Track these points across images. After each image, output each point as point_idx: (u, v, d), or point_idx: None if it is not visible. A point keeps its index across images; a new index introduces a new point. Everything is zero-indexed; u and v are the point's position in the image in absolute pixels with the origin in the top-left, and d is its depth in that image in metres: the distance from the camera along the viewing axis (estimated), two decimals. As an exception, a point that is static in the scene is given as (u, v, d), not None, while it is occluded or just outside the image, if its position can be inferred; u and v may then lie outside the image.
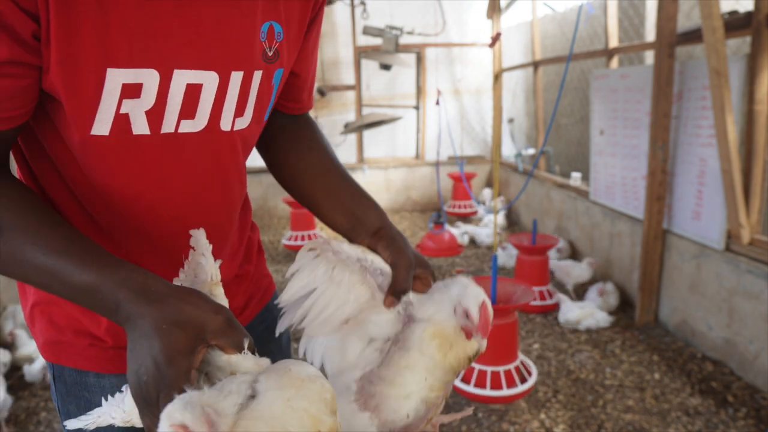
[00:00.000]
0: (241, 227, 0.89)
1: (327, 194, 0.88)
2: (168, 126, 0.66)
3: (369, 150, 6.64)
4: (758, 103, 2.50)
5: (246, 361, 0.55)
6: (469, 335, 0.75)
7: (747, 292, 2.52)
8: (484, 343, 0.76)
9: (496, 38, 2.45)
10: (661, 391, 2.55)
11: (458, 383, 2.55)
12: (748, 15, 2.51)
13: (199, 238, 0.65)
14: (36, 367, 2.69)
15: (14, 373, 2.81)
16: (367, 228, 0.83)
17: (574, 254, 4.32)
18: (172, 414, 0.45)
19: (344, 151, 6.36)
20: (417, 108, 6.52)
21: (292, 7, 0.74)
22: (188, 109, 0.67)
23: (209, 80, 0.66)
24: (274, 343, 0.97)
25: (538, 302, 3.46)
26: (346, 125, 5.01)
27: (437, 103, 5.11)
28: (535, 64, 5.34)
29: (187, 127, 0.68)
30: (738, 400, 2.44)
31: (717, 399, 2.46)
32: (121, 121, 0.63)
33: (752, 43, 2.49)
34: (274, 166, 0.93)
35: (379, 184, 6.49)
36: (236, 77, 0.69)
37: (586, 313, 3.17)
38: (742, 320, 2.57)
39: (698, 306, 2.87)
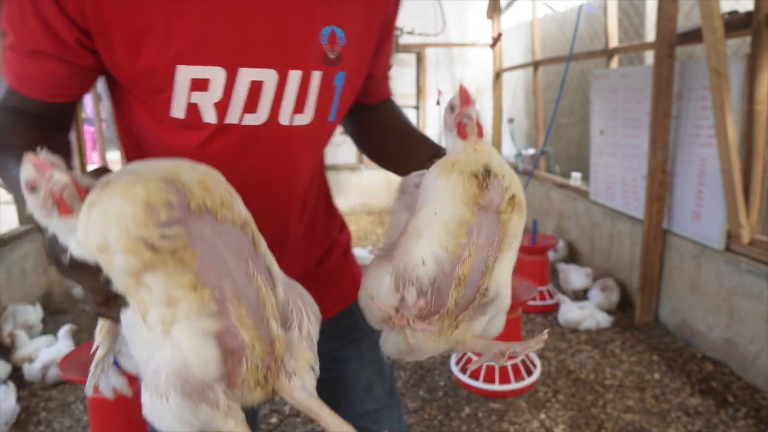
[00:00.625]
0: (319, 227, 0.93)
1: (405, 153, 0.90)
2: (232, 117, 0.74)
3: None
4: (758, 103, 2.50)
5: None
6: (462, 128, 0.70)
7: (747, 292, 2.52)
8: (483, 148, 0.70)
9: (497, 39, 2.44)
10: (661, 391, 2.55)
11: (463, 377, 2.56)
12: (748, 15, 2.51)
13: None
14: (36, 366, 2.69)
15: (14, 373, 2.81)
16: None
17: (573, 255, 4.32)
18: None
19: (344, 151, 6.35)
20: (417, 108, 6.52)
21: (357, 15, 0.78)
22: (251, 103, 0.74)
23: (269, 77, 0.73)
24: (350, 348, 0.99)
25: (538, 302, 3.46)
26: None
27: (438, 103, 5.12)
28: (535, 64, 5.34)
29: (250, 120, 0.75)
30: (738, 400, 2.44)
31: (717, 399, 2.46)
32: (192, 111, 0.72)
33: (752, 43, 2.49)
34: (363, 148, 1.00)
35: (379, 185, 6.48)
36: (294, 76, 0.74)
37: (586, 313, 3.17)
38: (742, 320, 2.57)
39: (698, 306, 2.87)
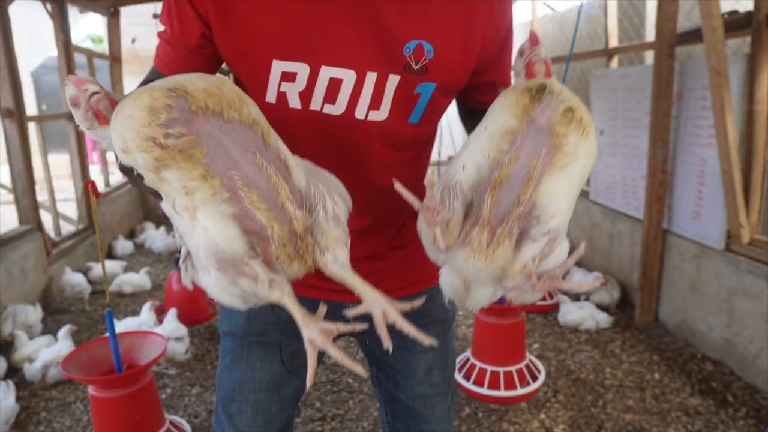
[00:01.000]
0: (403, 217, 1.02)
1: None
2: (315, 105, 0.86)
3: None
4: (758, 103, 2.50)
5: None
6: (530, 67, 0.71)
7: (747, 292, 2.52)
8: (542, 72, 0.71)
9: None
10: (661, 391, 2.55)
11: (465, 383, 2.55)
12: (748, 15, 2.51)
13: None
14: (36, 366, 2.69)
15: (14, 373, 2.81)
16: None
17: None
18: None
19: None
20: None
21: (451, 33, 0.85)
22: (330, 96, 0.85)
23: (348, 76, 0.84)
24: (419, 329, 1.01)
25: (538, 302, 3.46)
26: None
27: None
28: (535, 64, 5.34)
29: (329, 109, 0.86)
30: (738, 400, 2.44)
31: (717, 399, 2.46)
32: (281, 97, 0.86)
33: (752, 43, 2.49)
34: None
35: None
36: (371, 77, 0.84)
37: (586, 314, 3.17)
38: (742, 320, 2.57)
39: (698, 306, 2.87)
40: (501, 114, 0.70)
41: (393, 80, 0.85)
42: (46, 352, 2.74)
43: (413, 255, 1.02)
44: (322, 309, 0.69)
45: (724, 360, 2.72)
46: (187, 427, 2.32)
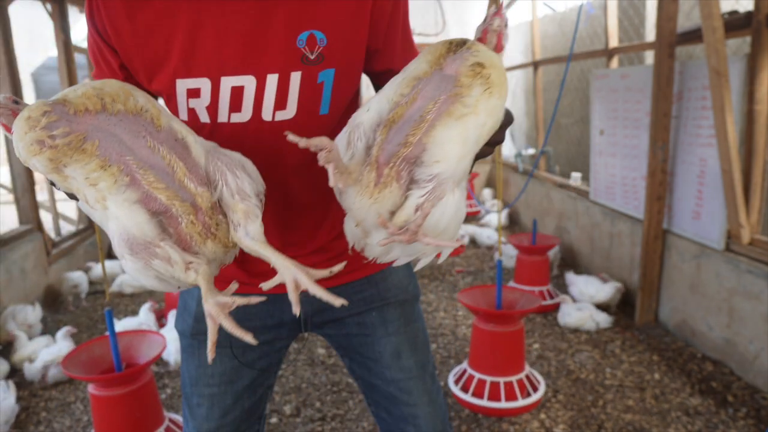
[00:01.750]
0: (337, 207, 1.01)
1: None
2: (222, 116, 0.90)
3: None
4: (758, 103, 2.50)
5: None
6: (483, 35, 0.73)
7: (747, 292, 2.52)
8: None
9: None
10: (661, 391, 2.55)
11: (463, 395, 2.54)
12: (748, 15, 2.51)
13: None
14: (36, 365, 2.69)
15: (14, 373, 2.81)
16: None
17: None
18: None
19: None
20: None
21: (339, 17, 0.87)
22: (235, 104, 0.88)
23: (248, 82, 0.86)
24: (374, 313, 1.08)
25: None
26: (346, 125, 5.00)
27: (437, 103, 5.11)
28: (535, 64, 5.34)
29: (236, 118, 0.90)
30: (738, 400, 2.44)
31: (717, 399, 2.46)
32: (192, 113, 0.90)
33: (752, 43, 2.49)
34: None
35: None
36: (272, 78, 0.87)
37: (585, 316, 3.16)
38: (742, 320, 2.57)
39: (698, 306, 2.87)
40: (416, 62, 0.72)
41: (295, 76, 0.88)
42: (46, 351, 2.75)
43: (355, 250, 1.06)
44: (233, 286, 0.72)
45: (724, 360, 2.72)
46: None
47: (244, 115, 0.89)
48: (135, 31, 0.85)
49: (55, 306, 3.77)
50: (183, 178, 0.70)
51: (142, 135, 0.68)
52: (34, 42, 9.01)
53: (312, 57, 0.87)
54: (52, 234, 4.25)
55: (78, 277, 3.82)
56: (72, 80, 4.42)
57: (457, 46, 0.71)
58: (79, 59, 4.87)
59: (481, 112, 0.69)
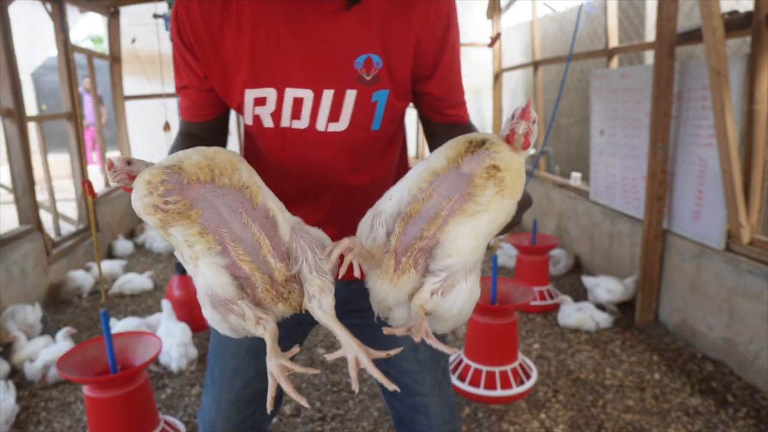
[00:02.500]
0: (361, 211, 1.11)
1: None
2: (284, 122, 1.02)
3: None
4: (758, 103, 2.50)
5: None
6: (511, 135, 0.76)
7: (747, 292, 2.52)
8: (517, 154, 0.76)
9: (495, 38, 2.45)
10: (661, 391, 2.55)
11: (461, 384, 2.55)
12: (748, 15, 2.51)
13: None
14: (37, 365, 2.69)
15: (14, 373, 2.81)
16: None
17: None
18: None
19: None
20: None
21: (394, 42, 0.97)
22: (296, 112, 1.01)
23: (307, 95, 0.99)
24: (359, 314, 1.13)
25: (538, 302, 3.45)
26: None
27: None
28: (535, 64, 5.34)
29: (296, 125, 1.02)
30: (738, 400, 2.44)
31: (717, 399, 2.46)
32: (257, 120, 1.03)
33: (752, 43, 2.49)
34: None
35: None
36: (328, 93, 0.98)
37: (585, 317, 3.16)
38: (742, 320, 2.57)
39: (698, 306, 2.87)
40: (437, 154, 0.77)
41: (351, 94, 0.98)
42: (47, 351, 2.74)
43: None
44: (295, 350, 0.79)
45: (724, 360, 2.72)
46: (181, 427, 2.31)
47: (303, 122, 1.02)
48: (215, 46, 0.97)
49: (55, 306, 3.77)
50: (267, 254, 0.79)
51: (239, 211, 0.76)
52: (34, 42, 9.01)
53: (368, 78, 0.97)
54: (52, 234, 4.25)
55: (81, 277, 3.82)
56: (72, 80, 4.42)
57: (476, 146, 0.75)
58: (79, 59, 4.87)
59: (492, 210, 0.75)
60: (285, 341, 1.12)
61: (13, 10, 3.60)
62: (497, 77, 5.89)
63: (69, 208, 5.76)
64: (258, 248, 0.78)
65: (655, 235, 3.10)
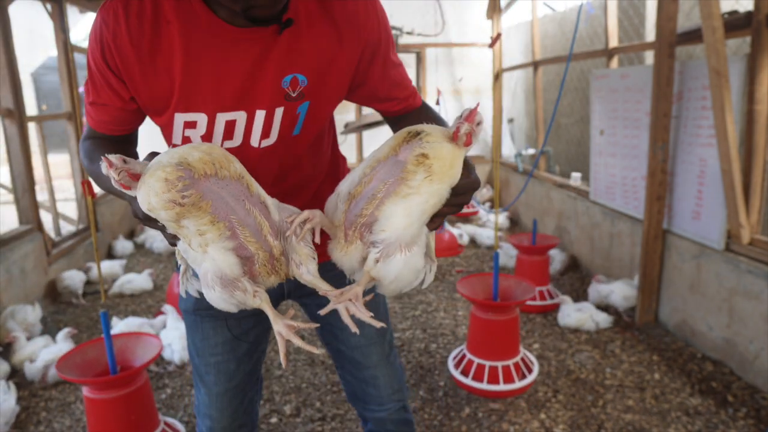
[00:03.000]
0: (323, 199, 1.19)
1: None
2: (215, 143, 1.02)
3: (369, 150, 6.63)
4: (758, 103, 2.50)
5: None
6: (456, 132, 0.85)
7: (747, 292, 2.52)
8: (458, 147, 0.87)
9: (496, 38, 2.45)
10: (661, 391, 2.55)
11: (464, 379, 2.56)
12: (748, 15, 2.51)
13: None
14: (37, 365, 2.69)
15: (14, 373, 2.81)
16: None
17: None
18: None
19: (344, 152, 6.32)
20: (417, 108, 6.52)
21: (319, 63, 1.02)
22: (228, 134, 1.03)
23: (240, 117, 1.02)
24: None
25: (538, 302, 3.45)
26: (346, 125, 5.00)
27: (437, 103, 5.11)
28: (535, 64, 5.34)
29: (228, 144, 1.05)
30: (738, 400, 2.44)
31: (717, 399, 2.46)
32: (186, 140, 1.04)
33: (752, 43, 2.49)
34: None
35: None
36: (260, 114, 1.02)
37: (585, 317, 3.16)
38: (742, 320, 2.57)
39: (698, 306, 2.87)
40: (385, 144, 0.91)
41: (279, 111, 1.03)
42: (47, 351, 2.74)
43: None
44: (291, 311, 0.92)
45: (724, 360, 2.72)
46: (181, 428, 2.31)
47: (235, 141, 1.05)
48: (144, 72, 0.97)
49: (55, 306, 3.77)
50: (267, 234, 0.89)
51: (242, 199, 0.85)
52: (34, 42, 9.01)
53: (294, 95, 1.03)
54: (52, 234, 4.25)
55: (71, 276, 3.80)
56: (72, 80, 4.42)
57: (413, 136, 0.87)
58: (79, 59, 4.87)
59: (423, 193, 0.86)
60: (252, 332, 1.29)
61: (13, 10, 3.60)
62: (497, 77, 5.89)
63: (69, 208, 5.76)
64: (260, 229, 0.88)
65: (655, 235, 3.10)
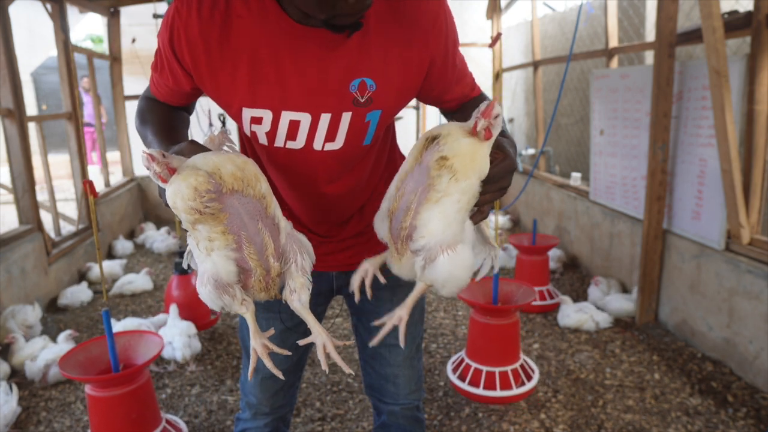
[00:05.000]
0: (346, 210, 1.26)
1: None
2: (279, 142, 1.07)
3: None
4: (758, 103, 2.50)
5: None
6: (475, 126, 0.86)
7: (747, 292, 2.52)
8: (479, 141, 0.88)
9: (496, 38, 2.44)
10: (661, 391, 2.55)
11: (461, 384, 2.55)
12: (748, 15, 2.51)
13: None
14: (38, 364, 2.69)
15: (14, 373, 2.81)
16: None
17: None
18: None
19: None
20: (417, 108, 6.52)
21: (388, 66, 1.02)
22: (291, 134, 1.05)
23: (304, 118, 1.03)
24: (385, 290, 1.23)
25: (538, 302, 3.45)
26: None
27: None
28: (535, 64, 5.34)
29: (291, 145, 1.06)
30: (738, 400, 2.44)
31: (717, 399, 2.46)
32: (253, 134, 1.07)
33: (752, 43, 2.49)
34: None
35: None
36: (325, 117, 1.02)
37: (585, 317, 3.16)
38: (742, 320, 2.57)
39: (698, 306, 2.87)
40: (409, 155, 0.93)
41: (346, 116, 1.03)
42: (47, 351, 2.74)
43: (374, 238, 1.23)
44: (271, 331, 0.98)
45: (724, 360, 2.72)
46: (183, 426, 2.31)
47: (299, 143, 1.06)
48: (210, 64, 0.98)
49: (55, 306, 3.77)
50: (270, 254, 0.92)
51: (257, 218, 0.89)
52: (34, 42, 9.01)
53: (362, 100, 1.02)
54: (52, 234, 4.25)
55: (73, 293, 3.77)
56: (72, 80, 4.42)
57: (430, 141, 0.88)
58: (79, 59, 4.87)
59: (453, 193, 0.86)
60: (303, 325, 1.34)
61: (13, 10, 3.60)
62: (497, 77, 5.89)
63: (69, 208, 5.76)
64: (265, 249, 0.92)
65: (655, 235, 3.10)
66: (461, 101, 1.18)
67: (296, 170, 1.12)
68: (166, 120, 1.10)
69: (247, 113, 1.03)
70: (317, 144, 1.06)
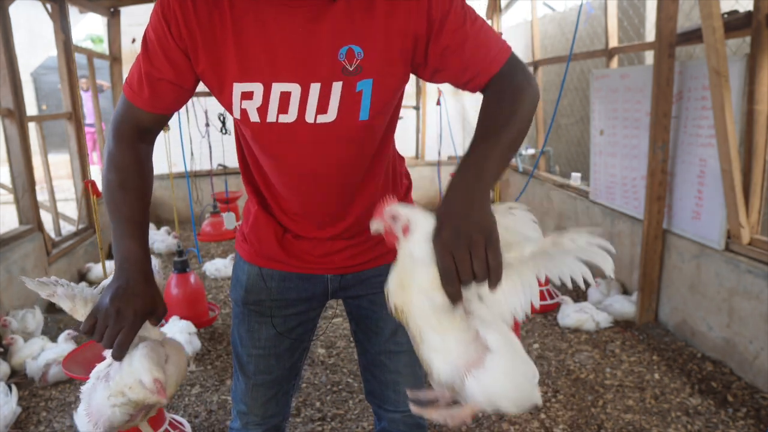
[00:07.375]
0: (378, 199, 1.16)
1: None
2: (271, 117, 1.03)
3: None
4: (758, 103, 2.50)
5: (154, 333, 1.15)
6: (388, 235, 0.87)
7: (747, 292, 2.52)
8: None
9: (496, 38, 2.44)
10: (661, 391, 2.55)
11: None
12: (748, 15, 2.51)
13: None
14: (39, 363, 2.69)
15: (14, 374, 2.81)
16: None
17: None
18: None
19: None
20: (417, 108, 6.52)
21: (375, 33, 0.99)
22: (283, 107, 1.02)
23: (295, 89, 1.00)
24: (383, 295, 1.24)
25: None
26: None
27: (438, 103, 5.12)
28: (535, 64, 5.34)
29: (283, 118, 1.03)
30: (738, 400, 2.44)
31: (717, 399, 2.46)
32: (244, 113, 1.04)
33: (752, 43, 2.49)
34: None
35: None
36: (315, 87, 1.00)
37: (585, 317, 3.16)
38: (742, 320, 2.57)
39: (698, 306, 2.87)
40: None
41: (336, 86, 1.00)
42: (48, 351, 2.74)
43: (369, 240, 1.20)
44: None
45: (724, 360, 2.72)
46: (186, 425, 2.32)
47: (290, 116, 1.03)
48: (205, 43, 0.99)
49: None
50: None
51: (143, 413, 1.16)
52: (34, 42, 9.00)
53: (351, 69, 0.99)
54: (52, 234, 4.25)
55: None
56: (72, 80, 4.42)
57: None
58: (79, 59, 4.87)
59: (422, 325, 0.84)
60: (296, 330, 1.36)
61: (13, 10, 3.60)
62: (497, 77, 5.87)
63: (69, 208, 5.76)
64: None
65: (655, 235, 3.11)
66: (479, 81, 1.06)
67: (290, 151, 1.09)
68: (138, 210, 1.10)
69: (238, 89, 1.02)
70: (309, 116, 1.03)
